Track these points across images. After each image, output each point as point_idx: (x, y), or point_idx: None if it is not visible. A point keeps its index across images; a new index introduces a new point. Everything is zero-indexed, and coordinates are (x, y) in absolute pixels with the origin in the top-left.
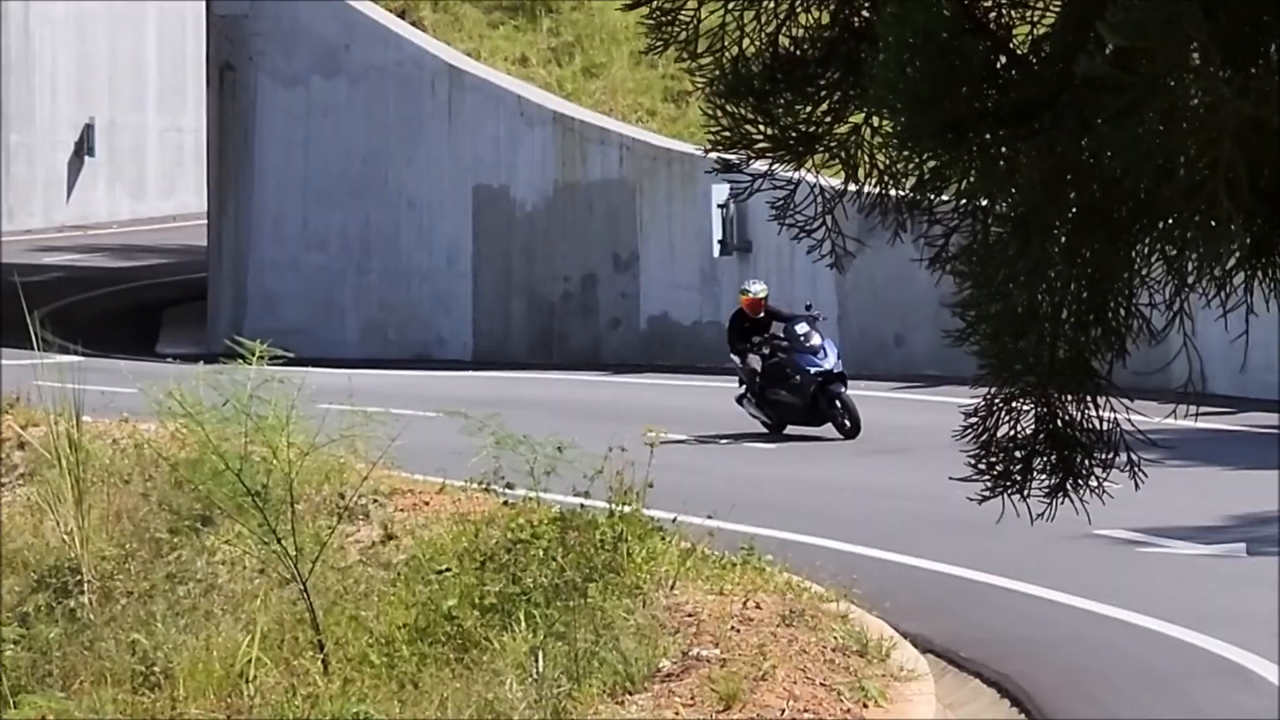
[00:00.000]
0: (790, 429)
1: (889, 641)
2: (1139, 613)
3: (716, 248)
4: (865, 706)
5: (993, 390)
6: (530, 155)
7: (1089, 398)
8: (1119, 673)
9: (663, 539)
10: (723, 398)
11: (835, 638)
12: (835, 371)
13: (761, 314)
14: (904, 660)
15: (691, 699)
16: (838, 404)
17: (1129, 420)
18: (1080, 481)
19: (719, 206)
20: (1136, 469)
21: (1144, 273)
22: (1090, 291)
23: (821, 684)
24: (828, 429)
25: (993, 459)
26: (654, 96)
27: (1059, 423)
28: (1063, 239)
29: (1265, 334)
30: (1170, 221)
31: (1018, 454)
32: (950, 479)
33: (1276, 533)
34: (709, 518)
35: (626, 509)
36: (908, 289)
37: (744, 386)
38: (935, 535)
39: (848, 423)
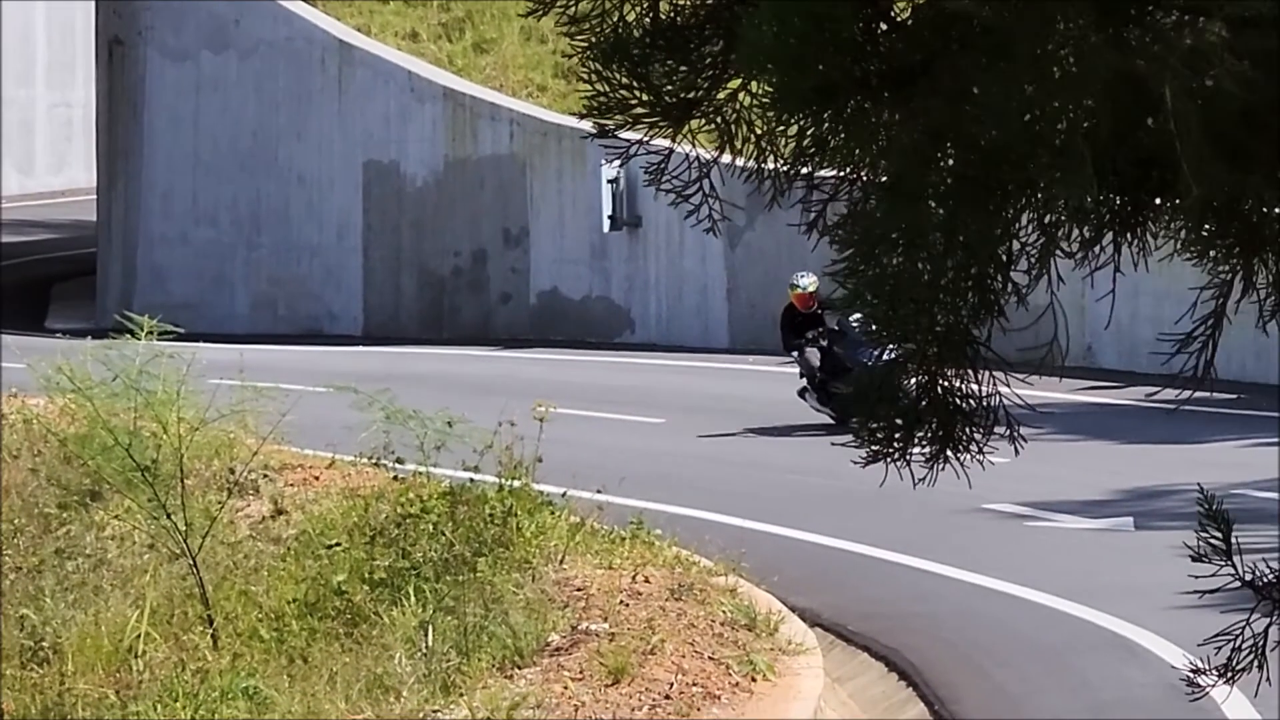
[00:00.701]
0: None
1: (777, 615)
2: (1027, 587)
3: (606, 223)
4: (753, 680)
5: (875, 356)
6: (420, 131)
7: (968, 364)
8: (1007, 646)
9: (552, 513)
10: (610, 371)
11: (724, 611)
12: None
13: (813, 307)
14: (792, 634)
15: (580, 673)
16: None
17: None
18: (960, 448)
19: (609, 182)
20: (1016, 435)
21: (1020, 239)
22: (967, 258)
23: (710, 657)
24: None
25: (874, 426)
26: (544, 72)
27: (939, 389)
28: (938, 205)
29: (1153, 308)
30: (1042, 185)
31: (899, 421)
32: (832, 444)
33: (1164, 506)
34: (598, 492)
35: (516, 484)
36: (799, 264)
37: (804, 381)
38: (824, 509)
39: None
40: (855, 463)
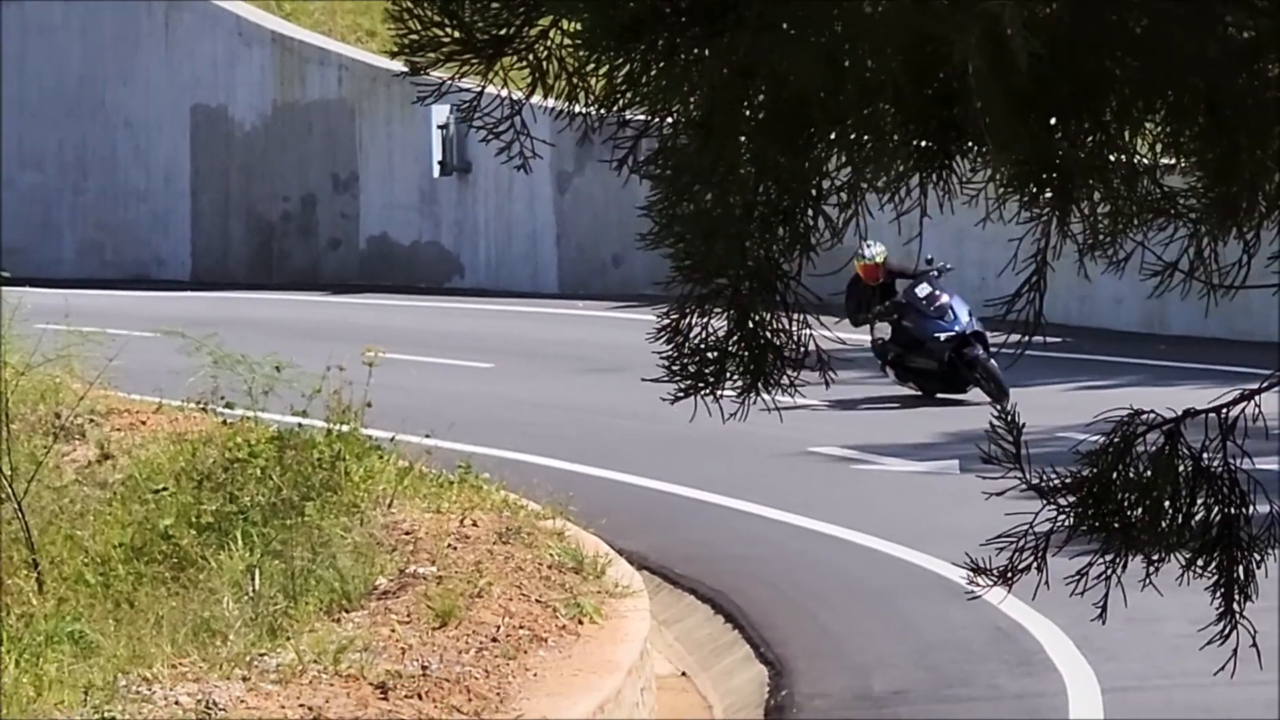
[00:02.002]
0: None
1: (604, 558)
2: (853, 529)
3: (436, 168)
4: (580, 622)
5: (686, 291)
6: (248, 75)
7: (779, 299)
8: (833, 589)
9: (381, 458)
10: (439, 316)
11: (551, 555)
12: (968, 333)
13: (881, 279)
14: (619, 576)
15: (408, 616)
16: (976, 367)
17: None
18: (771, 382)
19: (439, 127)
20: (827, 368)
21: (828, 174)
22: (777, 193)
23: (537, 600)
24: (976, 393)
25: (686, 361)
26: (373, 17)
27: (750, 324)
28: (749, 141)
29: (979, 251)
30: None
31: (710, 356)
32: (642, 380)
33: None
34: (427, 436)
35: (344, 428)
36: (627, 209)
37: (880, 356)
38: (652, 453)
39: (992, 385)
40: (665, 399)
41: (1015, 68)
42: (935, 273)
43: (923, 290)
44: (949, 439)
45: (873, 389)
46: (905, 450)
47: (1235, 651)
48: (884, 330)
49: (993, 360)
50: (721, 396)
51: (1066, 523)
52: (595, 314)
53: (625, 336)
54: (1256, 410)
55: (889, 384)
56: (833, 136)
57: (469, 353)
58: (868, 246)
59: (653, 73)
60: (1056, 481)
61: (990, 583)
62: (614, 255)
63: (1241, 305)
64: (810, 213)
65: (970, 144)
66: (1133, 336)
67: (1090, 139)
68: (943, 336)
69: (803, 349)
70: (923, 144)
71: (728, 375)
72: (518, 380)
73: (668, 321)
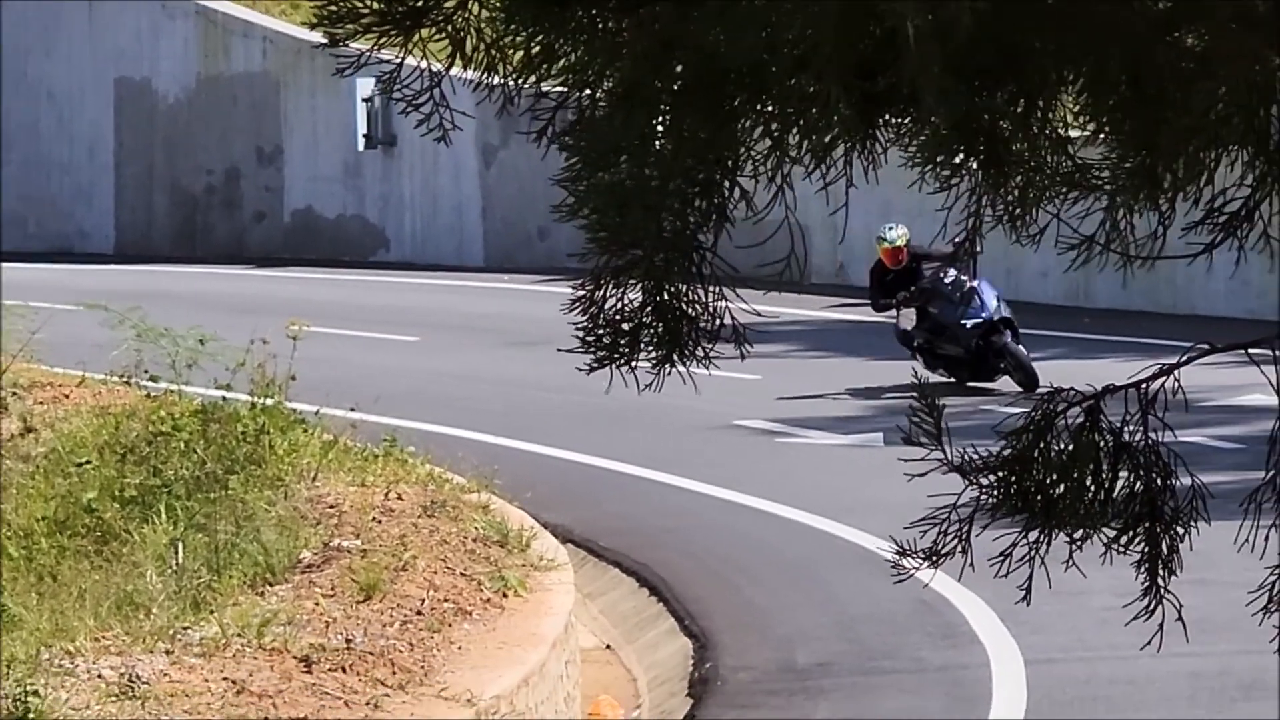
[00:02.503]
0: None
1: (529, 531)
2: (778, 502)
3: (361, 141)
4: (505, 596)
5: (601, 262)
6: (172, 48)
7: (695, 270)
8: (757, 561)
9: (305, 431)
10: (364, 289)
11: (476, 528)
12: (995, 319)
13: (904, 262)
14: (544, 550)
15: (332, 589)
16: (1004, 355)
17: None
18: (687, 353)
19: (364, 100)
20: (743, 340)
21: (748, 146)
22: (695, 165)
23: (462, 574)
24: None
25: (600, 331)
26: None
27: (665, 295)
28: (668, 112)
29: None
30: (774, 94)
31: (625, 326)
32: (558, 350)
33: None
34: (352, 410)
35: (269, 401)
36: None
37: (905, 344)
38: (577, 426)
39: (1020, 374)
40: (580, 369)
41: (953, 28)
42: (963, 257)
43: (949, 275)
44: (873, 412)
45: (799, 363)
46: (829, 423)
47: (1161, 626)
48: (908, 320)
49: (1022, 347)
50: (637, 368)
51: (989, 502)
52: (521, 287)
53: (551, 310)
54: (1176, 384)
55: (812, 356)
56: (757, 108)
57: (394, 326)
58: (888, 229)
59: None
60: (978, 461)
61: (916, 564)
62: (539, 228)
63: (1166, 278)
64: (728, 184)
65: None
66: (1058, 310)
67: (1016, 107)
68: (970, 324)
69: (718, 321)
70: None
71: (643, 346)
72: (443, 354)
73: (583, 293)
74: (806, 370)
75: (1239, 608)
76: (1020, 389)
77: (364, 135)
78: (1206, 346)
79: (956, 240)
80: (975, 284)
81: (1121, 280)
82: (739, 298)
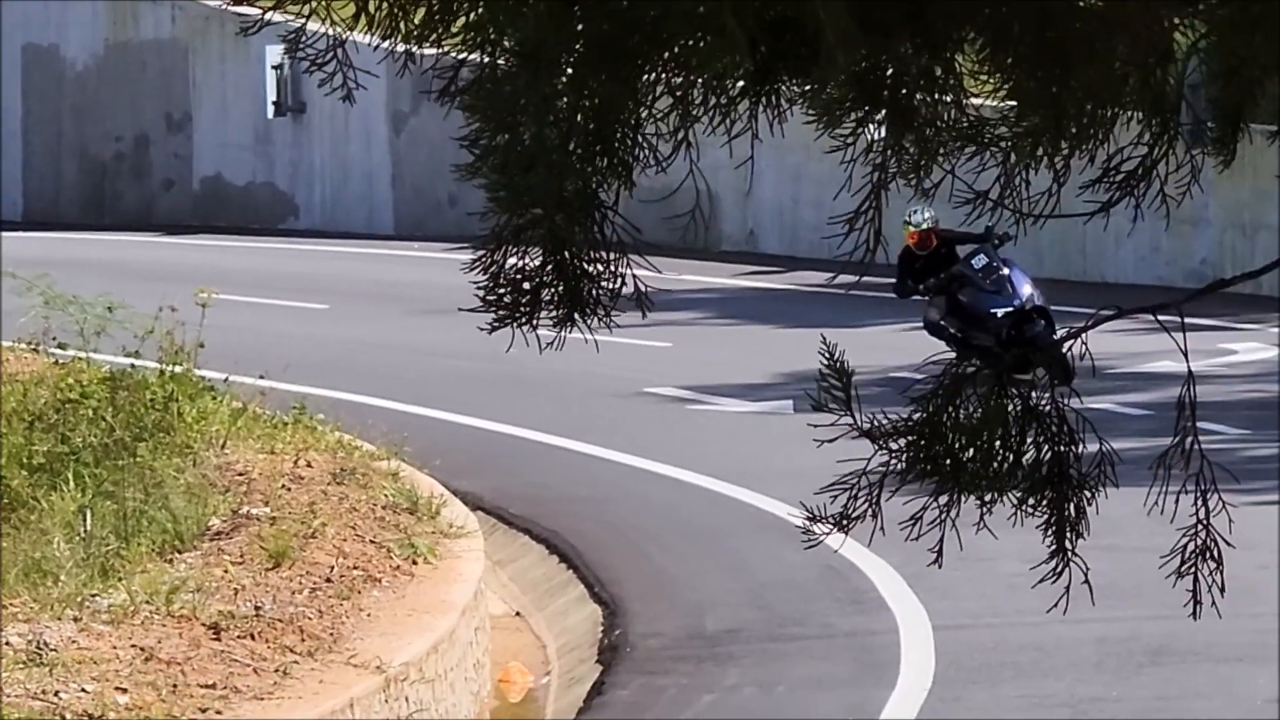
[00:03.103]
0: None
1: (439, 499)
2: (688, 469)
3: (270, 109)
4: (415, 563)
5: (501, 221)
6: (80, 14)
7: (596, 227)
8: (667, 529)
9: (214, 399)
10: (274, 257)
11: (386, 495)
12: (1028, 308)
13: (932, 247)
14: (454, 517)
15: (241, 556)
16: (1036, 345)
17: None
18: (588, 312)
19: (273, 68)
20: (644, 299)
21: (650, 103)
22: (597, 123)
23: (371, 541)
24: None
25: (501, 291)
26: None
27: (567, 254)
28: (570, 71)
29: (815, 192)
30: (677, 49)
31: (526, 285)
32: (459, 310)
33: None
34: (261, 377)
35: (177, 369)
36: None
37: (936, 334)
38: (487, 394)
39: (1052, 367)
40: (482, 329)
41: None
42: (994, 241)
43: (978, 262)
44: (783, 379)
45: (709, 330)
46: (739, 390)
47: (1068, 589)
48: (935, 312)
49: (1056, 337)
50: (538, 327)
51: (899, 467)
52: (431, 255)
53: (461, 277)
54: (1084, 349)
55: (723, 324)
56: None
57: (304, 294)
58: (914, 212)
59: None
60: (887, 426)
61: (826, 530)
62: (450, 195)
63: (1076, 246)
64: (630, 143)
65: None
66: None
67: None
68: (1000, 312)
69: (620, 280)
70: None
71: (544, 306)
72: (353, 321)
73: (483, 251)
74: (716, 338)
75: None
76: (1054, 382)
77: (274, 103)
78: (1114, 310)
79: (989, 226)
80: (1007, 270)
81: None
82: (644, 261)
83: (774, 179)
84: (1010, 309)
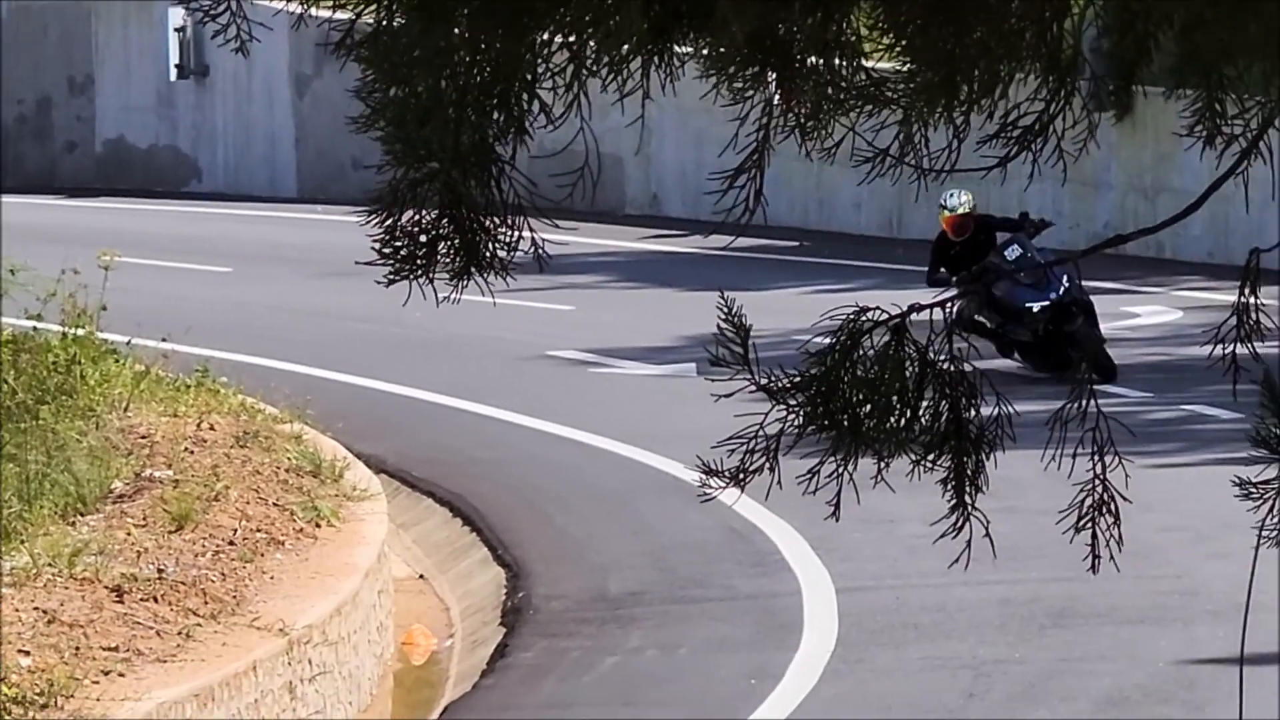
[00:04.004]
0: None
1: (342, 462)
2: (591, 432)
3: (173, 71)
4: (318, 526)
5: (397, 175)
6: None
7: (492, 182)
8: (570, 491)
9: (117, 361)
10: (177, 220)
11: (289, 458)
12: (1065, 301)
13: (969, 233)
14: (357, 480)
15: (144, 519)
16: (1076, 342)
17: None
18: (484, 265)
19: (176, 30)
20: (542, 255)
21: (546, 58)
22: (493, 77)
23: (275, 504)
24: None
25: (397, 244)
26: None
27: (463, 208)
28: (465, 24)
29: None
30: (572, 5)
31: (422, 239)
32: (356, 263)
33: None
34: (164, 340)
35: (80, 332)
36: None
37: (969, 330)
38: (391, 357)
39: (1093, 364)
40: (379, 282)
41: None
42: (1030, 228)
43: (1011, 253)
44: (686, 342)
45: (612, 293)
46: (642, 354)
47: (969, 543)
48: (968, 308)
49: (1097, 331)
50: (435, 280)
51: (797, 422)
52: (334, 218)
53: (365, 240)
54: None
55: (626, 287)
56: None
57: (206, 257)
58: (950, 195)
59: None
60: (785, 382)
61: (722, 484)
62: (353, 158)
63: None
64: (526, 97)
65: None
66: (871, 240)
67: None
68: (1036, 306)
69: (517, 234)
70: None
71: (440, 259)
72: (256, 284)
73: (379, 205)
74: (619, 301)
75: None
76: (1097, 379)
77: (176, 65)
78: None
79: (1024, 212)
80: (1044, 261)
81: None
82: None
83: (676, 142)
84: (1046, 303)
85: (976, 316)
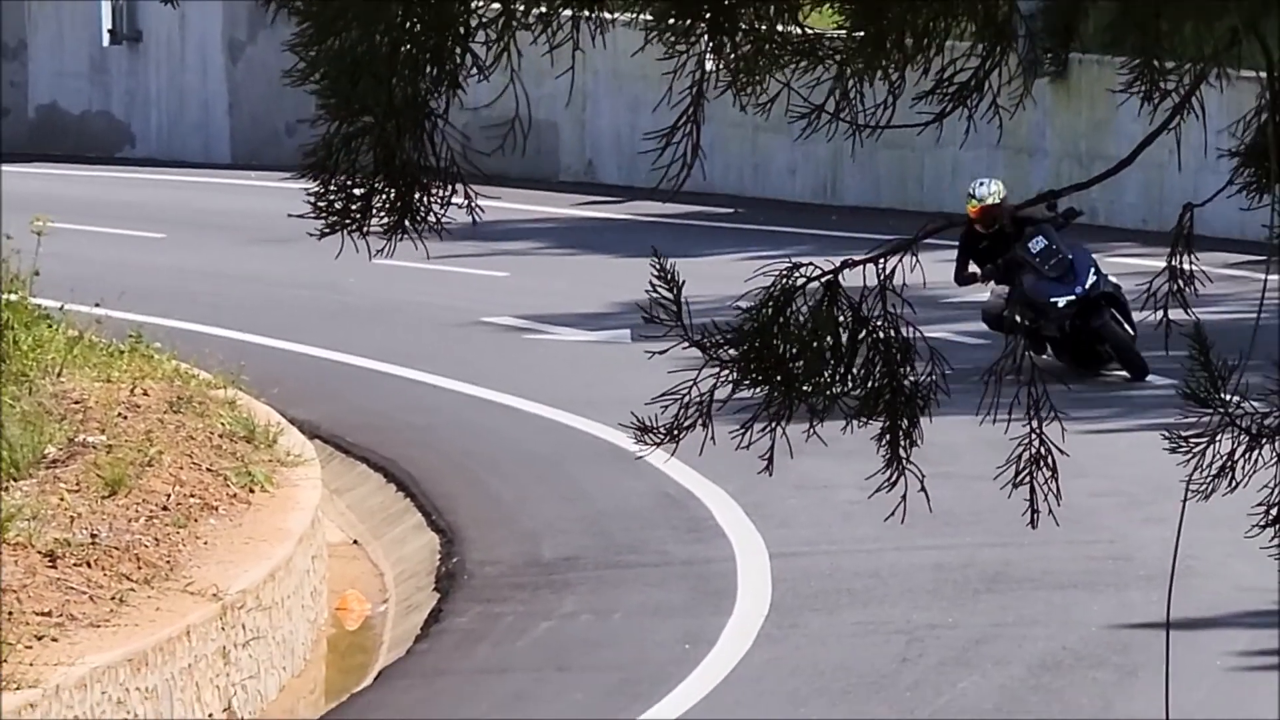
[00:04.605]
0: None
1: (276, 427)
2: (525, 398)
3: (106, 37)
4: (251, 491)
5: (332, 129)
6: None
7: (426, 137)
8: (505, 457)
9: (50, 327)
10: (110, 186)
11: (223, 424)
12: (1092, 295)
13: (998, 225)
14: (291, 445)
15: (77, 484)
16: (1104, 339)
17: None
18: (419, 219)
19: None
20: (474, 206)
21: (479, 11)
22: (426, 30)
23: (208, 469)
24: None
25: (332, 197)
26: None
27: (397, 161)
28: None
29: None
30: None
31: (357, 192)
32: (289, 216)
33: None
34: (97, 306)
35: (13, 297)
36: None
37: (997, 327)
38: (325, 323)
39: (1123, 361)
40: (312, 235)
41: None
42: (1058, 222)
43: (1038, 244)
44: (621, 309)
45: (546, 260)
46: (576, 320)
47: (904, 498)
48: (995, 305)
49: (1128, 328)
50: (368, 234)
51: (730, 379)
52: (268, 184)
53: (299, 207)
54: (915, 263)
55: (560, 254)
56: None
57: (140, 223)
58: (979, 185)
59: None
60: (719, 336)
61: (656, 441)
62: (287, 125)
63: (914, 176)
64: (459, 51)
65: None
66: (806, 207)
67: None
68: (1061, 302)
69: (451, 189)
70: None
71: (374, 213)
72: (190, 250)
73: (314, 159)
74: (554, 267)
75: (982, 500)
76: (1129, 377)
77: (109, 31)
78: (944, 221)
79: (1053, 202)
80: (1070, 255)
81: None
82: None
83: (611, 109)
84: (1071, 298)
85: (1004, 313)
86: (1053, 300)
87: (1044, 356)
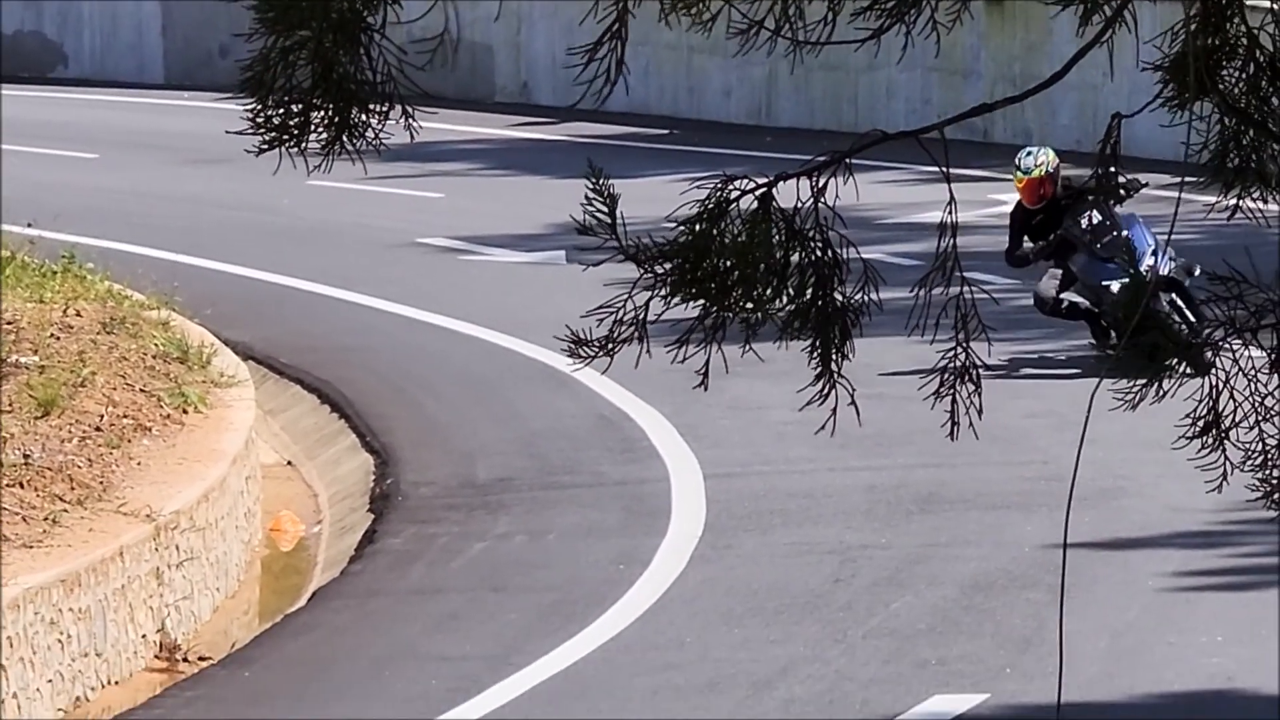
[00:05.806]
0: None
1: (210, 348)
2: (460, 320)
3: None
4: (185, 412)
5: (269, 43)
6: None
7: (363, 51)
8: (440, 378)
9: None
10: (42, 106)
11: (156, 345)
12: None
13: (1049, 199)
14: (225, 366)
15: (9, 405)
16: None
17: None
18: (356, 134)
19: None
20: (411, 119)
21: None
22: None
23: (142, 390)
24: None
25: (270, 113)
26: None
27: (335, 76)
28: None
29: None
30: None
31: (295, 108)
32: (228, 133)
33: (595, 240)
34: (29, 226)
35: None
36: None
37: (1054, 314)
38: (261, 245)
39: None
40: (249, 151)
41: None
42: (1114, 195)
43: (1089, 220)
44: (556, 230)
45: (481, 181)
46: (511, 241)
47: (834, 412)
48: (1048, 287)
49: (1190, 315)
50: (306, 149)
51: (665, 292)
52: (202, 105)
53: (235, 126)
54: (849, 178)
55: (496, 175)
56: None
57: (72, 143)
58: (1026, 154)
59: None
60: (653, 249)
61: (591, 354)
62: (220, 46)
63: (848, 97)
64: None
65: None
66: (741, 129)
67: None
68: (1115, 285)
69: (388, 103)
70: None
71: (312, 128)
72: (123, 171)
73: (251, 74)
74: (490, 188)
75: (915, 422)
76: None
77: None
78: (878, 135)
79: (1111, 169)
80: (1125, 233)
81: (808, 102)
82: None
83: (546, 31)
84: (1125, 282)
85: (1059, 297)
86: (1105, 284)
87: (1108, 351)
